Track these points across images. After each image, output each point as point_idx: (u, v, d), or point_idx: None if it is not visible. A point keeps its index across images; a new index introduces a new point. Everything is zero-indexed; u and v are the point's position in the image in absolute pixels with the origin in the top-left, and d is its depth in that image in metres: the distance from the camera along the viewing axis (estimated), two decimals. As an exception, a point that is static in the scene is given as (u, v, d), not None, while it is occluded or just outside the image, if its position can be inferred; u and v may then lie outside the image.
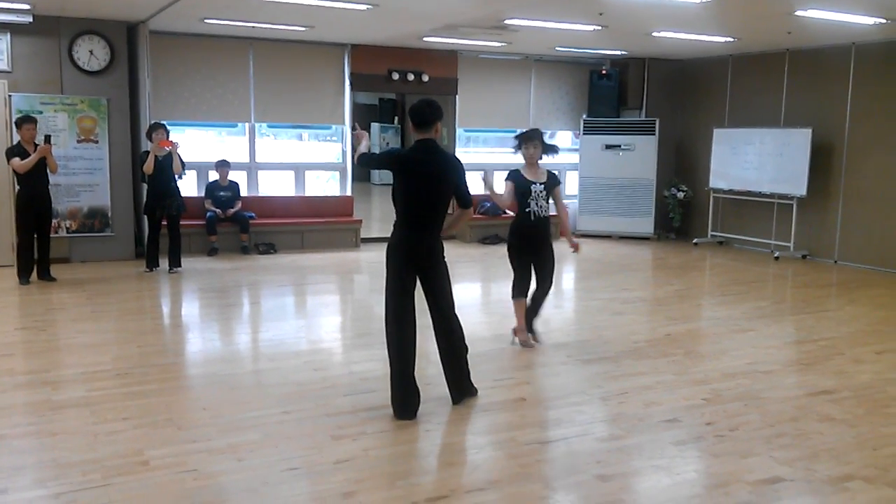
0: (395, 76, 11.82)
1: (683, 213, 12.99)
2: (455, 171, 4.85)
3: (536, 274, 6.27)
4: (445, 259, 4.95)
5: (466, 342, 5.06)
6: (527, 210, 6.11)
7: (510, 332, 6.40)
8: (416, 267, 4.81)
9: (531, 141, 6.11)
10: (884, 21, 8.54)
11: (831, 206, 10.89)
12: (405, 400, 4.73)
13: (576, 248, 6.42)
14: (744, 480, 3.95)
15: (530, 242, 6.19)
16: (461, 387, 4.99)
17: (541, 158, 6.17)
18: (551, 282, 6.31)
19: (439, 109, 4.77)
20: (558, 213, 6.41)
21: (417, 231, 4.78)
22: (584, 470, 4.06)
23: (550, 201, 6.18)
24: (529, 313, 6.32)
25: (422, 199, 4.74)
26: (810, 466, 4.14)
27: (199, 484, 3.80)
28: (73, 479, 3.81)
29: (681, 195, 12.84)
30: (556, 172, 6.40)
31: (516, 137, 6.27)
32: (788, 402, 5.18)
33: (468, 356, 5.07)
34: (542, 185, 6.12)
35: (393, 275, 4.78)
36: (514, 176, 6.11)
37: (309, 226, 11.31)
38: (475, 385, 5.10)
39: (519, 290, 6.25)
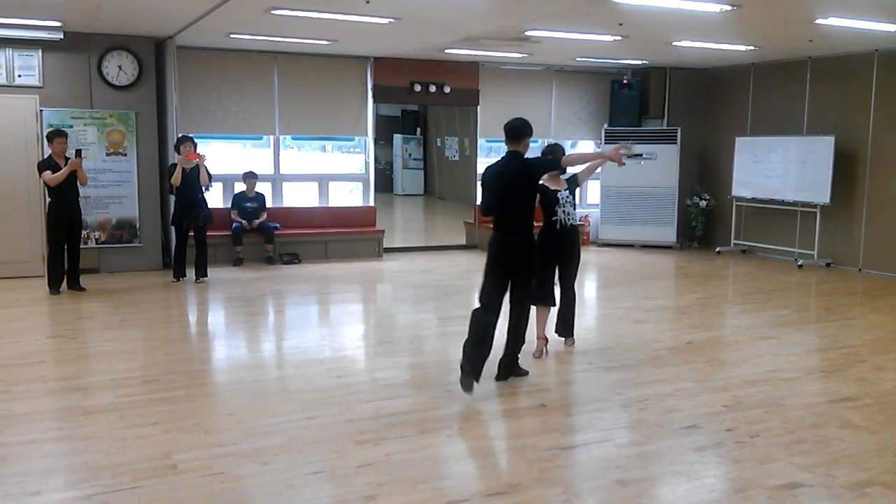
0: (417, 88, 11.94)
1: (706, 221, 12.96)
2: (532, 173, 5.53)
3: (560, 280, 6.43)
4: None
5: (522, 335, 5.69)
6: (553, 219, 6.23)
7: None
8: (504, 262, 5.47)
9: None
10: (906, 28, 8.52)
11: (855, 213, 10.84)
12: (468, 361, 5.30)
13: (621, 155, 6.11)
14: (763, 486, 3.97)
15: (557, 250, 6.30)
16: (501, 368, 5.66)
17: (563, 173, 6.27)
18: (574, 289, 6.52)
19: (529, 126, 5.54)
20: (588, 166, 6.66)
21: (501, 230, 5.51)
22: (604, 475, 4.11)
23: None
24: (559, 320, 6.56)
25: (500, 202, 5.47)
26: (830, 472, 4.15)
27: (226, 487, 3.90)
28: (103, 482, 3.91)
29: (703, 204, 12.83)
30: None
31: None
32: (809, 408, 5.18)
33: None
34: (567, 192, 6.29)
35: (487, 266, 5.57)
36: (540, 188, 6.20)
37: (332, 236, 11.43)
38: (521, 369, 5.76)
39: (540, 297, 6.27)
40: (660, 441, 4.59)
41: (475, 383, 5.23)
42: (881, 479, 4.06)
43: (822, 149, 10.90)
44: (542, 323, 6.30)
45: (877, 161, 10.57)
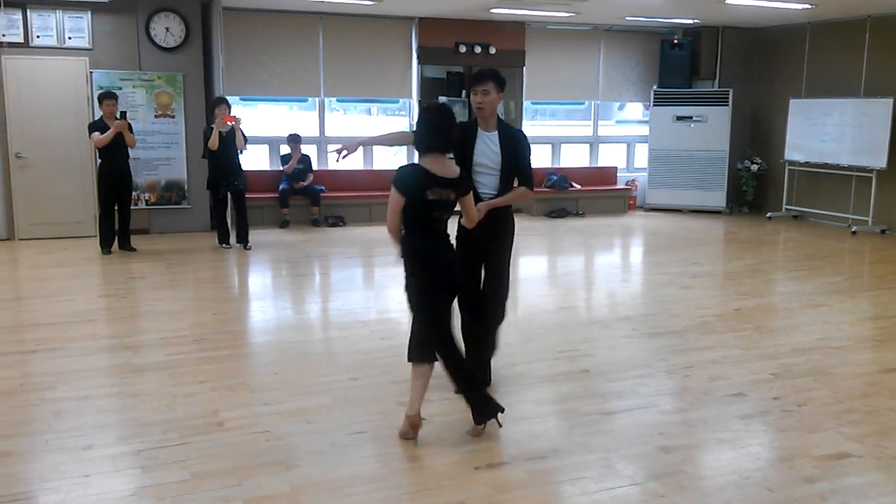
0: (463, 49, 11.81)
1: (757, 186, 12.67)
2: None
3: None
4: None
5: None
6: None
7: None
8: None
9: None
10: (974, -16, 8.15)
11: (913, 179, 10.50)
12: None
13: None
14: (810, 455, 3.91)
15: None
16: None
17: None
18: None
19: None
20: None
21: None
22: (646, 441, 4.08)
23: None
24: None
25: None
26: (880, 443, 4.06)
27: (271, 444, 3.96)
28: (153, 438, 4.01)
29: (754, 168, 12.53)
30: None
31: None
32: (859, 378, 5.07)
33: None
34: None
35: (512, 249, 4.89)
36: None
37: (377, 199, 11.41)
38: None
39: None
40: (704, 408, 4.54)
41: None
42: (933, 452, 3.97)
43: (879, 112, 10.54)
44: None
45: (938, 124, 10.20)
